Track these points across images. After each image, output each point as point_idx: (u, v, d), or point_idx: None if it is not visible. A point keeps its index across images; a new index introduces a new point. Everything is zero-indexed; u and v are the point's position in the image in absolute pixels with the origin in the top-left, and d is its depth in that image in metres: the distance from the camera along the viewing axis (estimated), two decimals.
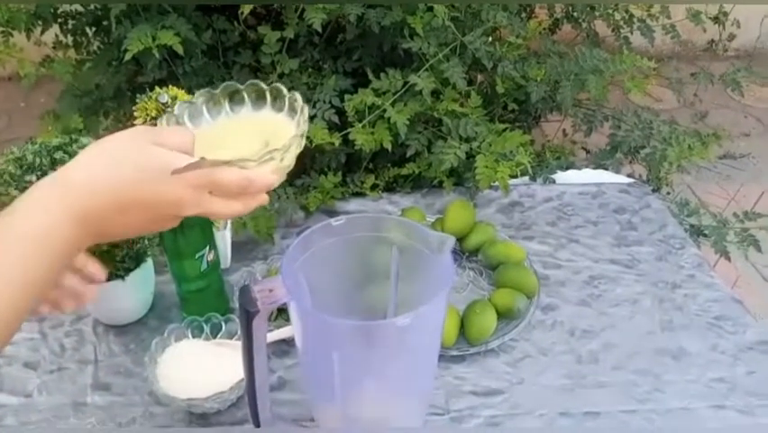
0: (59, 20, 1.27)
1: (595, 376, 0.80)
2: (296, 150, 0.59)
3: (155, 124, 0.79)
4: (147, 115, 0.79)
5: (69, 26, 1.28)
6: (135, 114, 0.80)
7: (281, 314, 0.82)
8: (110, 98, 1.25)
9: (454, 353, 0.81)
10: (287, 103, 0.62)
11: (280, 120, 0.62)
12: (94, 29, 1.30)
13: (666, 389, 0.78)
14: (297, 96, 0.61)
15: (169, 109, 0.78)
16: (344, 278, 0.65)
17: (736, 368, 0.81)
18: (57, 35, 1.30)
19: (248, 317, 0.53)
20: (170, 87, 0.81)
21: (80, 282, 0.58)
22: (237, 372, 0.66)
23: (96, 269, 0.60)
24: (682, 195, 1.39)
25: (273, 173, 0.55)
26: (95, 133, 1.23)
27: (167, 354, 0.77)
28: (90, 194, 0.48)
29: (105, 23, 1.28)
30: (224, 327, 0.79)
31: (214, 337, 0.79)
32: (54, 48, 1.33)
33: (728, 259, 1.22)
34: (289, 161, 0.59)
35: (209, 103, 0.61)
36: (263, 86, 0.62)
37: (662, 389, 0.78)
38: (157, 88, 0.81)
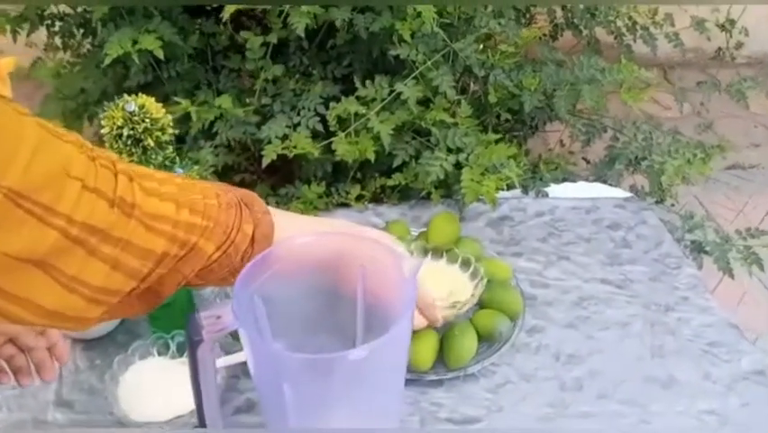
0: (47, 22, 1.25)
1: (578, 406, 0.75)
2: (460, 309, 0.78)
3: (121, 134, 0.76)
4: (114, 124, 0.76)
5: (57, 28, 1.26)
6: (102, 122, 0.77)
7: None
8: (95, 102, 1.22)
9: (431, 377, 0.77)
10: (472, 267, 0.83)
11: (462, 278, 0.83)
12: (81, 31, 1.28)
13: (653, 420, 0.74)
14: (480, 268, 0.82)
15: (135, 118, 0.76)
16: (309, 299, 0.62)
17: (728, 399, 0.76)
18: (47, 37, 1.28)
19: (193, 345, 0.50)
20: (140, 95, 0.78)
21: (47, 357, 0.62)
22: None
23: (64, 351, 0.64)
24: (688, 207, 1.34)
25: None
26: None
27: (129, 373, 0.74)
28: None
29: (93, 25, 1.26)
30: None
31: (181, 356, 0.76)
32: (45, 50, 1.31)
33: (732, 277, 1.18)
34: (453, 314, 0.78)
35: None
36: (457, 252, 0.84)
37: (649, 420, 0.74)
38: (125, 96, 0.78)
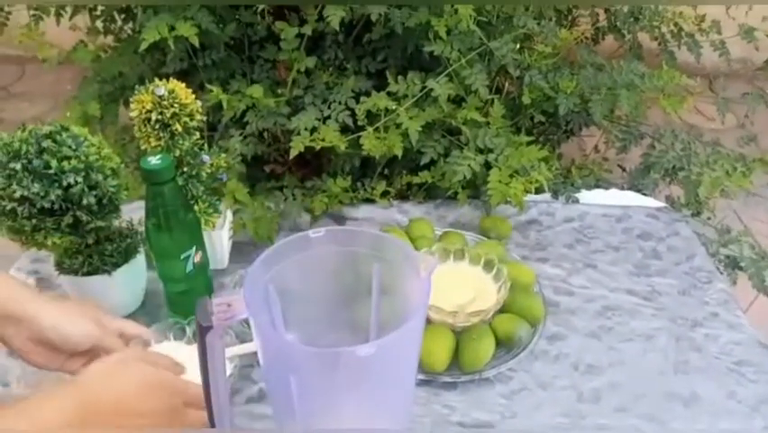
0: (89, 6, 1.27)
1: (595, 418, 0.73)
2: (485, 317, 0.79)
3: (149, 118, 0.77)
4: (142, 108, 0.77)
5: (99, 12, 1.28)
6: (132, 106, 0.78)
7: None
8: (131, 87, 1.23)
9: (446, 379, 0.76)
10: (495, 269, 0.82)
11: (485, 280, 0.82)
12: (122, 16, 1.30)
13: None
14: (504, 270, 0.81)
15: (164, 102, 0.76)
16: (324, 291, 0.61)
17: (752, 421, 0.74)
18: (89, 21, 1.30)
19: (202, 331, 0.50)
20: (171, 80, 0.79)
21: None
22: None
23: (140, 330, 0.73)
24: (726, 222, 1.30)
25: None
26: (111, 121, 1.22)
27: None
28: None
29: (133, 10, 1.27)
30: None
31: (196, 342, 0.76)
32: (87, 33, 1.33)
33: (767, 295, 1.13)
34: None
35: None
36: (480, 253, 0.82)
37: None
38: (156, 80, 0.78)
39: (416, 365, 0.57)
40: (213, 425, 0.56)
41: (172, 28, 1.02)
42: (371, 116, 0.99)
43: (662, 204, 1.09)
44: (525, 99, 1.06)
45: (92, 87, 1.22)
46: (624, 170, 1.41)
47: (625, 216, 1.04)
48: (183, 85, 0.79)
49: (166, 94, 0.76)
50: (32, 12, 1.20)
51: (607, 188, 1.14)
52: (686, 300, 0.89)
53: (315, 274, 0.60)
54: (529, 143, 1.02)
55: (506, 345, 0.79)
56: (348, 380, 0.51)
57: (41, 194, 0.68)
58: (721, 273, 0.98)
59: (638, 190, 1.22)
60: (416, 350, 0.55)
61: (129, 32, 1.32)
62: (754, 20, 1.45)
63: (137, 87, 0.79)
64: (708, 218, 1.28)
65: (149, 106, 0.76)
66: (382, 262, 0.58)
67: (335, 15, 0.96)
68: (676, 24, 1.34)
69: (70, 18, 1.25)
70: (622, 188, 1.22)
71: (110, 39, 1.33)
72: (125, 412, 0.55)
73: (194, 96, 0.80)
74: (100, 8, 1.27)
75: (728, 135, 1.56)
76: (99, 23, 1.29)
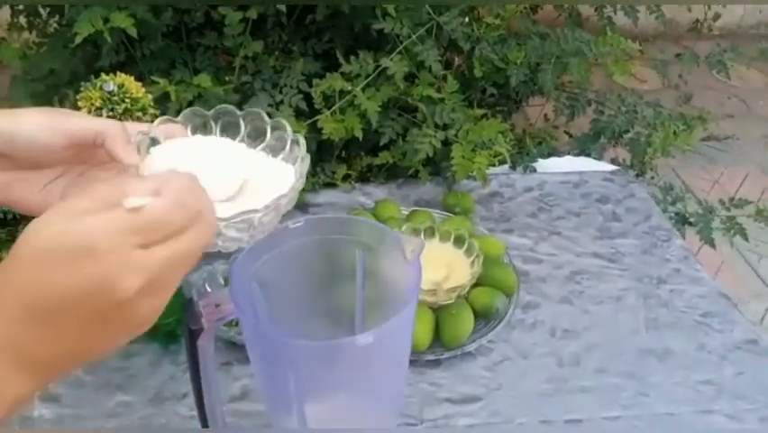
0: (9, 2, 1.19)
1: (577, 380, 0.75)
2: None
3: (100, 115, 0.73)
4: (92, 105, 0.72)
5: (21, 7, 1.20)
6: (79, 104, 0.73)
7: None
8: (65, 84, 1.17)
9: (429, 357, 0.76)
10: (466, 244, 0.79)
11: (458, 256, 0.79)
12: (48, 9, 1.22)
13: (651, 393, 0.74)
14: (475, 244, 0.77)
15: (114, 98, 0.72)
16: (305, 283, 0.60)
17: (723, 369, 0.77)
18: (11, 16, 1.22)
19: (191, 335, 0.48)
20: (118, 74, 0.74)
21: None
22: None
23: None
24: (666, 179, 1.35)
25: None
26: None
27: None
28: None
29: (59, 2, 1.20)
30: None
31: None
32: (9, 29, 1.25)
33: (713, 247, 1.18)
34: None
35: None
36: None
37: (647, 393, 0.74)
38: (102, 75, 0.74)
39: (409, 349, 0.57)
40: (205, 424, 0.54)
41: (106, 20, 0.97)
42: (327, 98, 0.97)
43: (615, 167, 1.12)
44: (477, 72, 1.06)
45: (22, 86, 1.15)
46: (570, 135, 1.44)
47: (582, 181, 1.06)
48: (132, 78, 0.75)
49: (115, 89, 0.72)
50: None
51: (560, 156, 1.16)
52: (648, 259, 0.92)
53: (297, 265, 0.58)
54: (483, 116, 1.02)
55: (483, 318, 0.80)
56: (347, 369, 0.50)
57: None
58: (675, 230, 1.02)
59: (587, 155, 1.25)
60: (410, 335, 0.55)
61: (56, 26, 1.25)
62: None
63: (82, 84, 0.74)
64: (652, 177, 1.32)
65: (98, 103, 0.72)
66: (365, 247, 0.57)
67: None
68: None
69: None
70: (571, 154, 1.25)
71: (34, 35, 1.26)
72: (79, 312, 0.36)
73: (143, 88, 0.76)
74: (22, 3, 1.19)
75: (662, 95, 1.61)
76: (22, 19, 1.21)
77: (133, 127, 0.50)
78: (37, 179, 0.50)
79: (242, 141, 0.55)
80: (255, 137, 0.55)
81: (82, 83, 0.74)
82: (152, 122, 0.74)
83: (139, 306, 0.37)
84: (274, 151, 0.55)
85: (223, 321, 0.48)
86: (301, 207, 1.00)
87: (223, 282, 0.81)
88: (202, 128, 0.54)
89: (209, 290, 0.81)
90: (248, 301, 0.53)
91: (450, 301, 0.77)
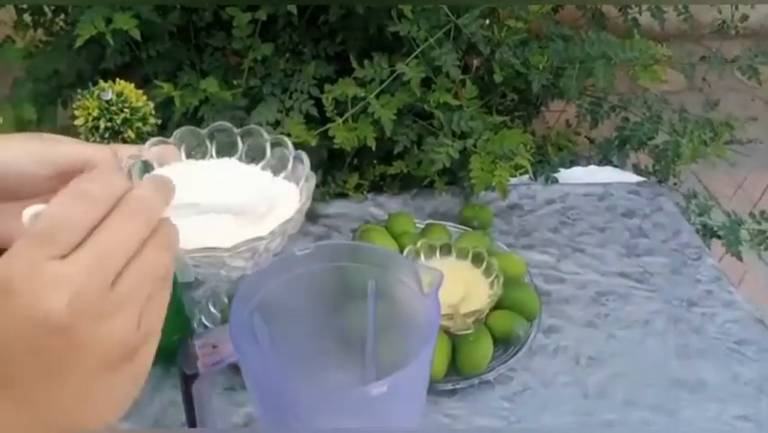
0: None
1: (603, 413, 0.70)
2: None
3: (98, 126, 0.68)
4: (89, 114, 0.68)
5: (26, 5, 1.17)
6: (75, 113, 0.69)
7: None
8: (69, 85, 1.13)
9: (444, 387, 0.71)
10: (485, 263, 0.74)
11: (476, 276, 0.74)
12: (53, 8, 1.18)
13: (682, 428, 0.69)
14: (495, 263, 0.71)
15: (113, 108, 0.68)
16: (312, 313, 0.55)
17: (760, 403, 0.72)
18: (16, 14, 1.19)
19: (186, 380, 0.43)
20: (117, 81, 0.70)
21: None
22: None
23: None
24: (688, 184, 1.29)
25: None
26: (50, 124, 1.12)
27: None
28: None
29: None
30: None
31: None
32: (14, 27, 1.21)
33: (740, 260, 1.13)
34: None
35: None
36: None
37: (678, 428, 0.69)
38: (101, 83, 0.70)
39: (425, 391, 0.52)
40: None
41: (109, 21, 0.93)
42: (339, 105, 0.92)
43: (641, 178, 1.06)
44: (497, 78, 1.00)
45: (25, 87, 1.11)
46: (591, 141, 1.39)
47: (606, 193, 1.01)
48: (132, 85, 0.71)
49: (114, 98, 0.68)
50: None
51: (583, 165, 1.10)
52: (678, 279, 0.86)
53: (303, 295, 0.54)
54: (502, 123, 0.97)
55: (503, 344, 0.75)
56: (359, 418, 0.45)
57: None
58: (707, 248, 0.96)
59: (609, 162, 1.19)
60: (427, 378, 0.50)
61: (62, 24, 1.21)
62: None
63: (79, 90, 0.70)
64: (675, 184, 1.27)
65: (95, 113, 0.68)
66: (378, 277, 0.53)
67: None
68: None
69: None
70: (592, 161, 1.19)
71: (41, 33, 1.22)
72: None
73: (144, 96, 0.72)
74: (27, 2, 1.15)
75: (685, 97, 1.55)
76: (27, 17, 1.17)
77: (125, 151, 0.46)
78: (11, 209, 0.45)
79: (240, 159, 0.51)
80: (253, 156, 0.51)
81: (79, 90, 0.70)
82: (153, 132, 0.70)
83: (88, 330, 0.30)
84: (275, 169, 0.52)
85: (220, 366, 0.43)
86: (310, 217, 0.95)
87: (226, 301, 0.77)
88: (197, 148, 0.49)
89: (212, 310, 0.76)
90: (249, 339, 0.48)
91: (468, 331, 0.72)
